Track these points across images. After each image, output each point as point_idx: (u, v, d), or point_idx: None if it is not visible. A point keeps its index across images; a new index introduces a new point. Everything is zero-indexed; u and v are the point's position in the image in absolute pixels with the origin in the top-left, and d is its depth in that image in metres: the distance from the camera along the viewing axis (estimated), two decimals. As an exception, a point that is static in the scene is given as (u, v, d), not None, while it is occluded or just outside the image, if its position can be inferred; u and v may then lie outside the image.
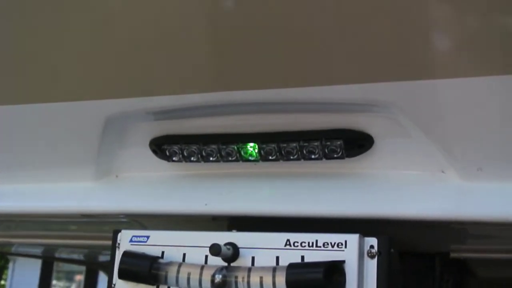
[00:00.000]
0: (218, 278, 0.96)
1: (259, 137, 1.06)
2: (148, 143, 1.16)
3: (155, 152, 1.15)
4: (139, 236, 1.07)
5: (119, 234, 1.09)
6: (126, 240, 1.08)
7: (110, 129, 1.13)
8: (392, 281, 0.93)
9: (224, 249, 0.98)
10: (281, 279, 0.94)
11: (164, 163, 1.16)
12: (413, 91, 0.91)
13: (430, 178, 1.01)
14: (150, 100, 1.07)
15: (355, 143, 1.02)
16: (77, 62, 1.05)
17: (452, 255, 1.25)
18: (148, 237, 1.06)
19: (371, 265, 0.93)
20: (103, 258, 1.72)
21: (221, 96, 1.02)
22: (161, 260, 1.02)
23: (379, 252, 0.93)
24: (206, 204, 1.09)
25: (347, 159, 1.03)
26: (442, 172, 1.00)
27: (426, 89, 0.90)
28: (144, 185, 1.18)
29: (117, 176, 1.23)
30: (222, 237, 1.01)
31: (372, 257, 0.93)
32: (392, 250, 0.94)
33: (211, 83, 1.01)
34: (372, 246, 0.94)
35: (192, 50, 0.97)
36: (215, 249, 0.96)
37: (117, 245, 1.09)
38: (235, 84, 1.00)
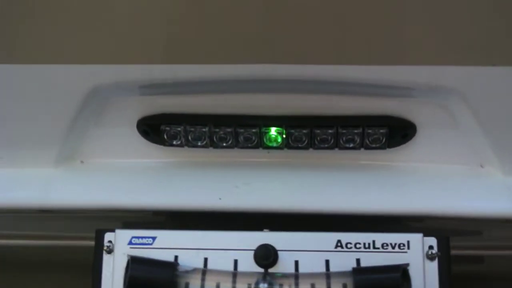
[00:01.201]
0: (263, 287, 0.79)
1: (286, 120, 0.91)
2: (135, 122, 0.94)
3: (145, 133, 0.94)
4: (142, 237, 0.85)
5: (110, 235, 0.86)
6: (122, 242, 0.85)
7: (90, 103, 0.89)
8: (452, 285, 0.84)
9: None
10: (338, 286, 0.80)
11: (158, 148, 0.95)
12: (479, 77, 0.83)
13: (471, 172, 0.94)
14: (148, 69, 0.86)
15: (399, 132, 0.91)
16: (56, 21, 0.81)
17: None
18: (154, 238, 0.85)
19: (432, 268, 0.83)
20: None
21: (241, 70, 0.85)
22: (181, 267, 0.82)
23: (439, 253, 0.84)
24: (220, 199, 0.90)
25: (388, 150, 0.92)
26: (481, 167, 0.94)
27: (492, 76, 0.83)
28: (127, 174, 0.96)
29: (82, 162, 0.98)
30: (253, 238, 0.84)
31: (432, 258, 0.83)
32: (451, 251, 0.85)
33: (229, 52, 0.83)
34: (431, 247, 0.84)
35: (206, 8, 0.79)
36: (266, 253, 0.79)
37: (105, 248, 0.86)
38: (260, 55, 0.83)
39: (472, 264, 1.02)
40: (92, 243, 0.86)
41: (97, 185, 0.96)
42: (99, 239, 0.87)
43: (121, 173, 0.96)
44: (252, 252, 0.83)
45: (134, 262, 0.81)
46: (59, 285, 1.10)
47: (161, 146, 0.94)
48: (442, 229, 0.94)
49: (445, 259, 0.83)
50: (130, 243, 0.85)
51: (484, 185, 0.92)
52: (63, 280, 1.09)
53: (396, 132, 0.91)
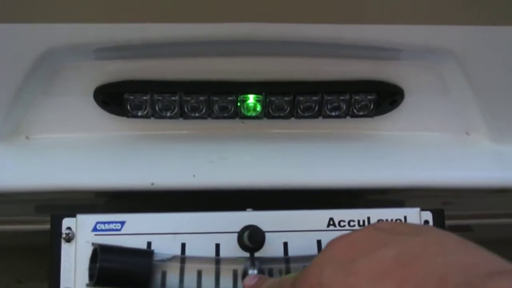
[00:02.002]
0: (252, 273, 0.71)
1: (266, 87, 0.82)
2: (92, 90, 0.82)
3: (104, 103, 0.82)
4: (109, 222, 0.74)
5: (69, 221, 0.75)
6: (85, 229, 0.74)
7: (38, 68, 0.77)
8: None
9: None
10: (334, 269, 0.72)
11: (119, 120, 0.83)
12: (476, 38, 0.77)
13: (457, 140, 0.88)
14: (106, 28, 0.74)
15: (387, 99, 0.84)
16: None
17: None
18: (123, 223, 0.74)
19: (428, 244, 0.77)
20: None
21: (215, 29, 0.75)
22: (158, 255, 0.72)
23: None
24: (194, 176, 0.80)
25: (374, 118, 0.85)
26: (467, 134, 0.89)
27: (491, 36, 0.77)
28: (83, 151, 0.84)
29: (27, 138, 0.85)
30: (235, 219, 0.75)
31: (427, 234, 0.77)
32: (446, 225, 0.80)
33: (201, 9, 0.73)
34: (426, 221, 0.78)
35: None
36: (251, 235, 0.71)
37: (64, 236, 0.74)
38: (236, 12, 0.73)
39: (460, 234, 0.97)
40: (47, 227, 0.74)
41: (46, 164, 0.83)
42: (56, 226, 0.75)
43: (75, 150, 0.84)
44: (236, 235, 0.74)
45: (103, 252, 0.69)
46: (17, 270, 0.98)
47: (123, 118, 0.82)
48: (428, 200, 0.89)
49: (441, 234, 0.77)
50: (94, 229, 0.74)
51: (471, 153, 0.87)
52: (21, 266, 0.96)
53: (384, 98, 0.83)
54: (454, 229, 0.96)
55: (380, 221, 0.75)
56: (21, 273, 1.00)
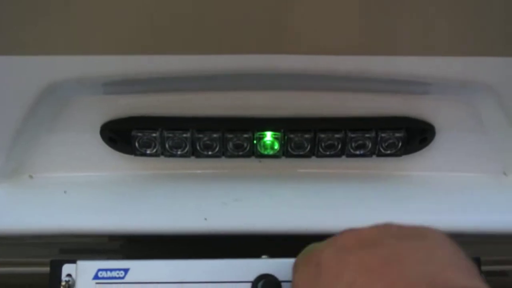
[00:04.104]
0: (269, 331, 0.63)
1: (285, 123, 0.76)
2: (99, 127, 0.77)
3: (112, 141, 0.77)
4: (111, 270, 0.68)
5: (69, 267, 0.69)
6: (86, 277, 0.68)
7: (42, 103, 0.72)
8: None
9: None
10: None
11: (127, 158, 0.78)
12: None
13: (492, 181, 0.81)
14: (115, 60, 0.70)
15: (417, 136, 0.77)
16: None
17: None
18: (127, 270, 0.68)
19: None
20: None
21: (230, 61, 0.69)
22: (165, 308, 0.65)
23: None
24: (205, 219, 0.74)
25: (403, 157, 0.78)
26: (504, 174, 0.81)
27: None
28: (89, 191, 0.78)
29: (31, 176, 0.80)
30: (249, 267, 0.68)
31: (463, 286, 0.69)
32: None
33: (216, 40, 0.68)
34: (462, 272, 0.70)
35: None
36: (266, 285, 0.64)
37: (63, 284, 0.68)
38: (253, 43, 0.68)
39: (494, 279, 0.89)
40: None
41: (50, 205, 0.78)
42: (55, 272, 0.69)
43: (81, 190, 0.78)
44: (249, 285, 0.67)
45: (104, 305, 0.63)
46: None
47: (131, 156, 0.77)
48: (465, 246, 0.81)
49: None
50: (96, 277, 0.68)
51: (510, 196, 0.79)
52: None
53: (413, 136, 0.77)
54: (488, 274, 0.89)
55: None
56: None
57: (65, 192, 0.76)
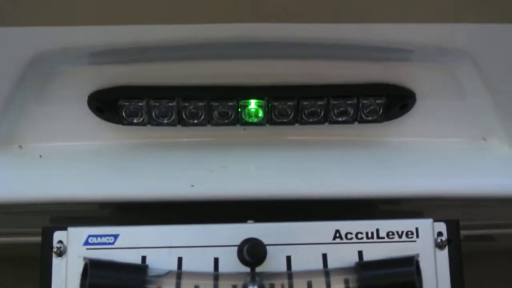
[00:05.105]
0: (252, 290, 0.66)
1: (269, 91, 0.77)
2: (86, 97, 0.78)
3: (99, 110, 0.78)
4: (101, 236, 0.70)
5: (61, 234, 0.71)
6: (77, 243, 0.70)
7: (29, 74, 0.73)
8: (463, 275, 0.73)
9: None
10: (340, 286, 0.68)
11: (114, 127, 0.79)
12: (492, 36, 0.72)
13: (474, 146, 0.83)
14: (100, 30, 0.71)
15: (398, 103, 0.79)
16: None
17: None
18: (116, 236, 0.70)
19: (442, 258, 0.72)
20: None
21: (214, 30, 0.70)
22: (152, 270, 0.68)
23: (449, 241, 0.72)
24: (192, 186, 0.76)
25: (384, 123, 0.80)
26: (483, 139, 0.83)
27: (508, 35, 0.72)
28: (77, 160, 0.80)
29: (20, 147, 0.82)
30: (235, 232, 0.71)
31: (441, 247, 0.72)
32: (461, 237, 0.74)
33: (200, 9, 0.69)
34: (440, 233, 0.73)
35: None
36: (252, 249, 0.66)
37: (55, 250, 0.70)
38: (237, 12, 0.69)
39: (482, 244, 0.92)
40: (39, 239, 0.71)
41: (40, 174, 0.80)
42: (47, 239, 0.71)
43: (69, 159, 0.80)
44: (235, 249, 0.69)
45: (94, 267, 0.66)
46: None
47: (119, 125, 0.78)
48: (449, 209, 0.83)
49: (455, 246, 0.72)
50: (86, 243, 0.70)
51: (489, 160, 0.82)
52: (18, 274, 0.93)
53: (394, 102, 0.79)
54: (476, 239, 0.92)
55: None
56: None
57: (51, 160, 0.78)
